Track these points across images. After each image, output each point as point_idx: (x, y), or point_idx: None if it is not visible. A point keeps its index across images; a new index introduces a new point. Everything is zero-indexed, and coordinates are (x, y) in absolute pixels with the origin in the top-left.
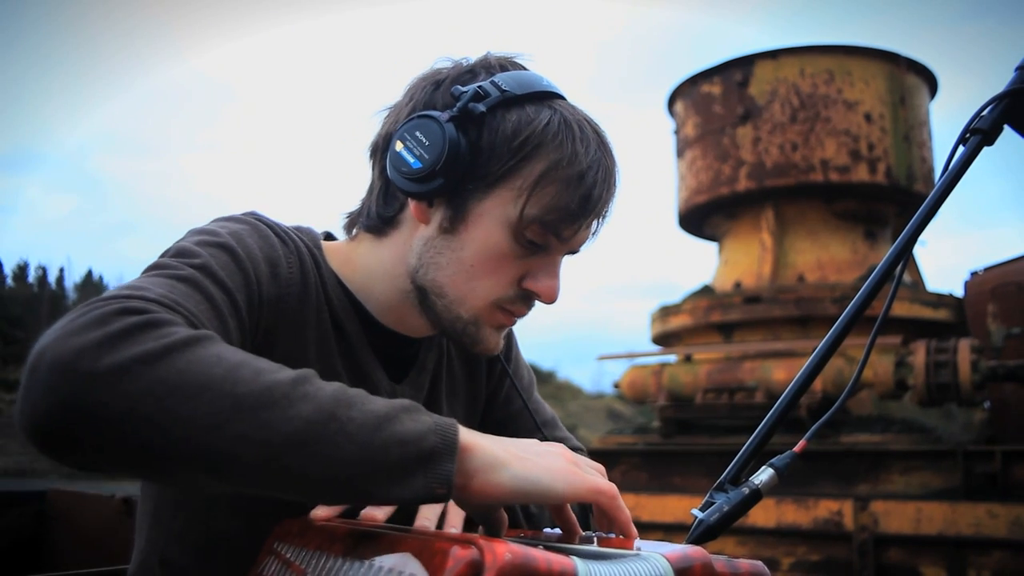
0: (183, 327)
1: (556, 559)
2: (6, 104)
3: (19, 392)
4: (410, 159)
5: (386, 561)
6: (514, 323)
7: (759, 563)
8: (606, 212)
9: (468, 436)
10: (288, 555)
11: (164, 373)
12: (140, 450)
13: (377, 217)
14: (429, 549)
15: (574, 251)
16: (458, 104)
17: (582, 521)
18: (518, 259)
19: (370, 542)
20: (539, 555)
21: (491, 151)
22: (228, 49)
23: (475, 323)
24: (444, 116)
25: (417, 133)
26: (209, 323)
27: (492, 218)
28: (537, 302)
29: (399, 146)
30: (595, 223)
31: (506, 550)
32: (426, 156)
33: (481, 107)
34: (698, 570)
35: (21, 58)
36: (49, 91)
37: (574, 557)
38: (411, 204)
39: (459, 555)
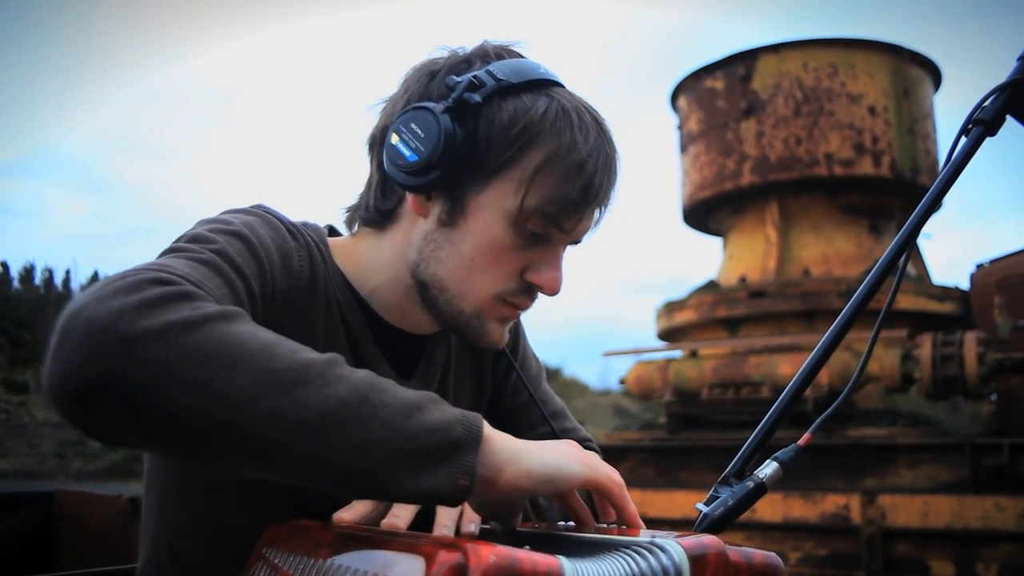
0: (213, 303)
1: (542, 560)
2: (17, 109)
3: (49, 354)
4: (406, 152)
5: (372, 566)
6: (518, 316)
7: (773, 554)
8: (608, 201)
9: (489, 429)
10: (276, 560)
11: (202, 341)
12: (170, 419)
13: (375, 211)
14: (414, 553)
15: (576, 241)
16: (453, 95)
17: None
18: (519, 251)
19: (356, 546)
20: (524, 556)
21: (488, 142)
22: (227, 50)
23: (478, 317)
24: (439, 107)
25: (412, 125)
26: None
27: (491, 210)
28: (540, 294)
29: (394, 139)
30: (597, 212)
31: (490, 552)
32: (422, 148)
33: (477, 97)
34: (712, 559)
35: (26, 60)
36: (57, 95)
37: (560, 557)
38: (409, 198)
39: (443, 559)
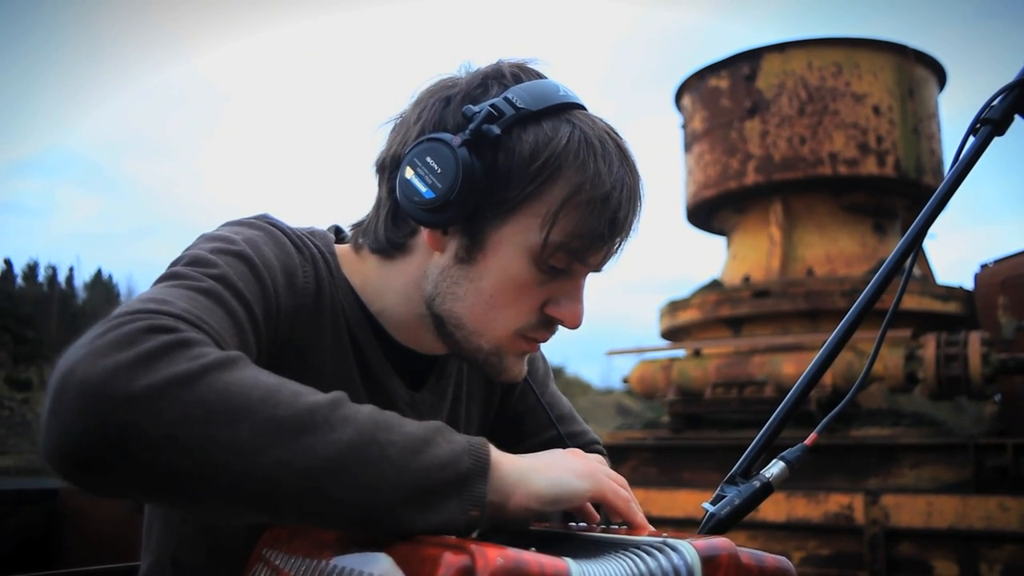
0: (213, 347)
1: (548, 562)
2: (31, 108)
3: (44, 416)
4: (422, 188)
5: (375, 568)
6: (537, 349)
7: (784, 559)
8: (632, 231)
9: (497, 454)
10: (277, 562)
11: (203, 395)
12: (176, 477)
13: (386, 241)
14: (419, 555)
15: (597, 271)
16: (471, 126)
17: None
18: (539, 286)
19: (358, 547)
20: (531, 558)
21: (508, 176)
22: (233, 48)
23: (497, 353)
24: (456, 140)
25: (428, 159)
26: (231, 340)
27: (512, 246)
28: (560, 327)
29: (409, 172)
30: (620, 243)
31: (498, 555)
32: (439, 185)
33: (496, 129)
34: (725, 560)
35: (35, 60)
36: (68, 94)
37: (567, 559)
38: (424, 232)
39: (450, 562)
